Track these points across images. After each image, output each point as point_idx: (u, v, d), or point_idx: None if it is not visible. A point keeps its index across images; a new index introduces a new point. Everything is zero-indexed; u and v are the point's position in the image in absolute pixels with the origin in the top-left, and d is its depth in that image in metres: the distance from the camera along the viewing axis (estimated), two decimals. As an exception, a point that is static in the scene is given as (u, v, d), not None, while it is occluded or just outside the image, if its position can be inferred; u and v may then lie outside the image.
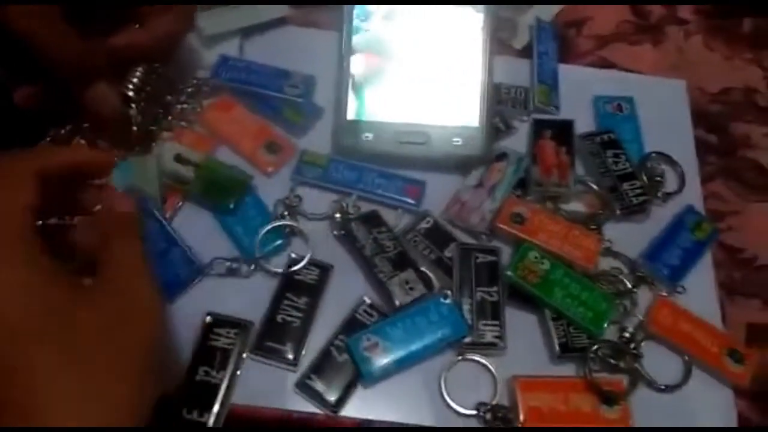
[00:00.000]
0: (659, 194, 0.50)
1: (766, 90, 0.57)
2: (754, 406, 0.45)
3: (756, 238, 0.51)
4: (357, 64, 0.50)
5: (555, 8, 0.58)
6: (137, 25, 0.45)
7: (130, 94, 0.47)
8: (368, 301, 0.45)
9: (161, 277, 0.42)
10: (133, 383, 0.29)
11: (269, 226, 0.46)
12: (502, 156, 0.50)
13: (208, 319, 0.43)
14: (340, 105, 0.50)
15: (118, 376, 0.28)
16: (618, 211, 0.49)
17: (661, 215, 0.50)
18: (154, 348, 0.30)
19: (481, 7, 0.51)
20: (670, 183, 0.51)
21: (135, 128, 0.48)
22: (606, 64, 0.57)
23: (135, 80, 0.47)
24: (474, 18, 0.51)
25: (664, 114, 0.54)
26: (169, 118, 0.50)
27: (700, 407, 0.44)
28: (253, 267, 0.45)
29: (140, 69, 0.47)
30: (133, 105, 0.47)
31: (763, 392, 0.45)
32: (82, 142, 0.48)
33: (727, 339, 0.46)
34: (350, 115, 0.49)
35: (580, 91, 0.55)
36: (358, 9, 0.51)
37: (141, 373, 0.29)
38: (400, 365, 0.43)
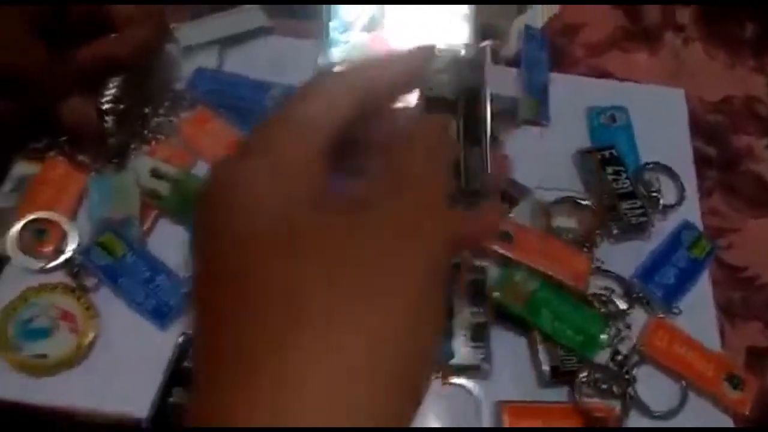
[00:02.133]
0: (659, 209, 0.48)
1: (768, 99, 0.55)
2: (755, 434, 0.43)
3: (757, 257, 0.49)
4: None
5: (546, 14, 0.56)
6: (111, 35, 0.44)
7: (106, 107, 0.46)
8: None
9: (150, 308, 0.42)
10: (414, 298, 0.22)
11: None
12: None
13: (182, 339, 0.41)
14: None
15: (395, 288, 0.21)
16: (615, 232, 0.47)
17: (657, 230, 0.48)
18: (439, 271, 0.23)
19: (467, 15, 0.49)
20: (667, 196, 0.49)
21: (111, 141, 0.47)
22: (601, 73, 0.55)
23: (111, 93, 0.46)
24: (460, 28, 0.49)
25: (660, 125, 0.52)
26: (146, 131, 0.49)
27: (696, 435, 0.42)
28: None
29: (116, 81, 0.46)
30: (109, 118, 0.46)
31: (764, 419, 0.43)
32: (60, 157, 0.47)
33: (726, 363, 0.43)
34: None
35: (572, 101, 0.53)
36: (335, 21, 0.49)
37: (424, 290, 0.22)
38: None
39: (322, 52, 0.49)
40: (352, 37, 0.49)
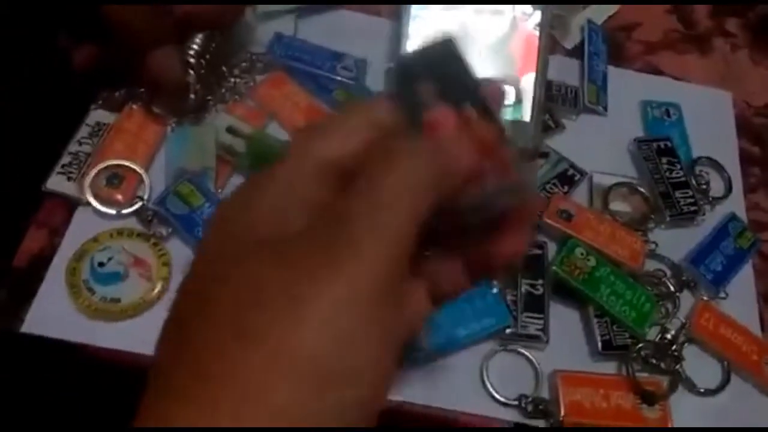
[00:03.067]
0: (708, 200, 0.51)
1: (810, 107, 0.58)
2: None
3: (796, 251, 0.51)
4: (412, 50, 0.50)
5: (606, 12, 0.58)
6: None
7: (191, 60, 0.47)
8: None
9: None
10: None
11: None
12: (543, 154, 0.51)
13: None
14: (394, 90, 0.50)
15: None
16: (668, 218, 0.49)
17: (705, 220, 0.50)
18: None
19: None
20: (716, 189, 0.52)
21: (192, 96, 0.48)
22: (654, 71, 0.58)
23: (195, 47, 0.47)
24: (531, 15, 0.51)
25: (709, 123, 0.55)
26: (223, 90, 0.50)
27: (739, 412, 0.44)
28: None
29: (200, 37, 0.47)
30: (193, 72, 0.47)
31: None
32: (137, 107, 0.48)
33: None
34: (403, 100, 0.49)
35: (628, 94, 0.55)
36: (417, -4, 0.51)
37: None
38: (442, 350, 0.42)
39: (402, 26, 0.50)
40: (429, 14, 0.51)
